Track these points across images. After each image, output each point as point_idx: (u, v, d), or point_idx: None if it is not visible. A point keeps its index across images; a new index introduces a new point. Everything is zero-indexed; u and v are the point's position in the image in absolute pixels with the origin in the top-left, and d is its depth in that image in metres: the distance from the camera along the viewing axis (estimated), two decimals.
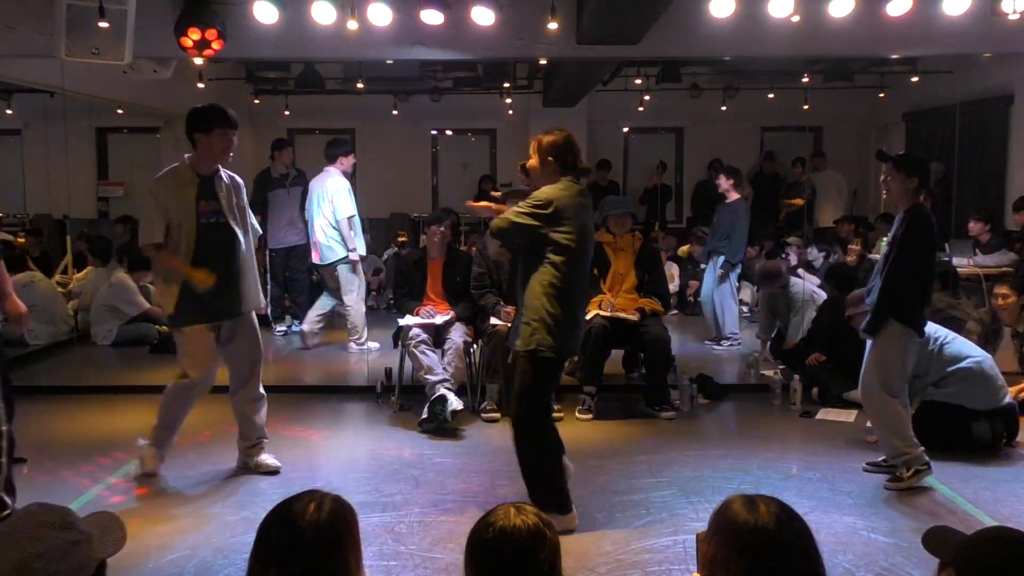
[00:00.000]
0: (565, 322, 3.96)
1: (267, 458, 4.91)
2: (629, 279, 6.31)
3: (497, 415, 5.91)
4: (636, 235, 6.50)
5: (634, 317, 6.07)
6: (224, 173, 4.69)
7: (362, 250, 7.72)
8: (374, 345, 7.85)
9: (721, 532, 1.75)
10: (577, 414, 5.99)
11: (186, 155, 4.62)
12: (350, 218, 7.55)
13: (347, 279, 7.68)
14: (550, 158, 4.06)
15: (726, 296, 7.94)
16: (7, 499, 3.92)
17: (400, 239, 10.71)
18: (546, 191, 3.98)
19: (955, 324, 6.37)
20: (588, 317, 6.20)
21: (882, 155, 4.70)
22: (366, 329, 7.84)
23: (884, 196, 4.80)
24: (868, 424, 5.69)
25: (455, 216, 6.67)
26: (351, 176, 7.86)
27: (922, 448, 4.59)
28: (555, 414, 5.91)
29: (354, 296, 7.74)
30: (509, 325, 6.01)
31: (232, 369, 4.86)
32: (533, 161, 4.13)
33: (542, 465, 4.04)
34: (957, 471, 4.92)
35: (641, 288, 6.31)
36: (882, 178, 4.61)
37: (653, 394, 6.08)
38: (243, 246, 4.69)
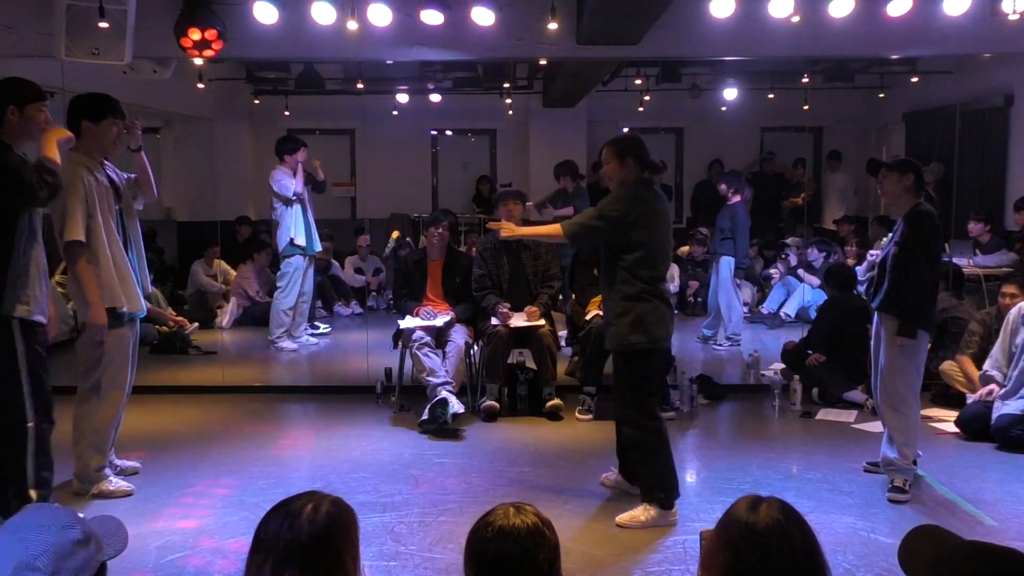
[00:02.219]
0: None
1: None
2: None
3: (495, 404, 5.93)
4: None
5: None
6: (107, 164, 4.55)
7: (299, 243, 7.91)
8: (290, 345, 7.95)
9: (719, 525, 1.80)
10: (577, 414, 5.98)
11: (68, 150, 4.34)
12: (289, 199, 7.81)
13: (280, 272, 7.98)
14: (629, 159, 4.17)
15: (732, 297, 7.95)
16: (32, 493, 3.87)
17: (397, 237, 10.68)
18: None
19: (958, 324, 6.38)
20: (588, 318, 6.20)
21: (873, 163, 4.71)
22: (278, 329, 7.93)
23: (884, 201, 4.79)
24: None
25: (453, 217, 6.66)
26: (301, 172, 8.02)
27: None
28: (552, 402, 5.96)
29: (277, 291, 7.96)
30: (509, 326, 6.02)
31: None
32: (612, 165, 4.22)
33: (647, 456, 4.17)
34: (958, 471, 4.92)
35: None
36: (878, 185, 4.61)
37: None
38: (138, 238, 4.63)
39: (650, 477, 4.17)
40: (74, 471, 4.52)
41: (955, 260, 7.49)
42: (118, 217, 4.47)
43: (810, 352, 6.48)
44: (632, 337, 4.08)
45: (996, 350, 5.72)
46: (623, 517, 4.15)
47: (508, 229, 4.51)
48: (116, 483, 4.54)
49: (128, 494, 4.51)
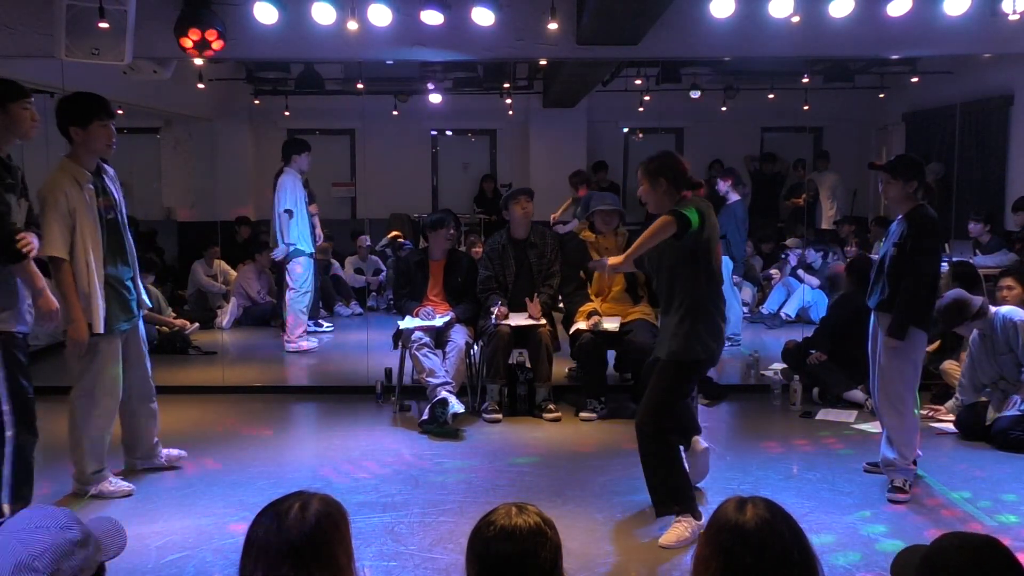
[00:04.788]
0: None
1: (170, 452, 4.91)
2: (617, 281, 6.09)
3: (499, 416, 5.90)
4: (620, 231, 6.18)
5: (614, 328, 5.93)
6: (106, 166, 4.50)
7: (304, 246, 7.90)
8: (307, 345, 7.98)
9: (709, 530, 1.81)
10: (581, 414, 5.97)
11: (63, 154, 4.34)
12: (285, 211, 7.75)
13: (290, 272, 7.92)
14: (662, 179, 4.03)
15: (730, 298, 7.94)
16: (6, 507, 3.83)
17: (395, 236, 10.69)
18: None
19: None
20: (571, 331, 6.14)
21: (874, 166, 4.68)
22: (298, 329, 7.94)
23: (885, 202, 4.77)
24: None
25: (455, 217, 6.66)
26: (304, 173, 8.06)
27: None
28: (552, 415, 5.92)
29: (290, 293, 7.93)
30: (511, 324, 6.00)
31: (127, 378, 4.57)
32: (645, 187, 4.07)
33: (666, 469, 4.04)
34: (958, 471, 4.92)
35: (632, 290, 6.10)
36: (881, 188, 4.59)
37: (640, 393, 6.01)
38: (132, 242, 4.61)
39: (671, 490, 4.02)
40: (73, 474, 4.52)
41: (955, 260, 7.49)
42: (111, 227, 4.38)
43: (812, 352, 6.47)
44: (690, 348, 3.96)
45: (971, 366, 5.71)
46: (667, 538, 3.95)
47: (600, 263, 4.17)
48: (116, 483, 4.54)
49: (128, 494, 4.51)
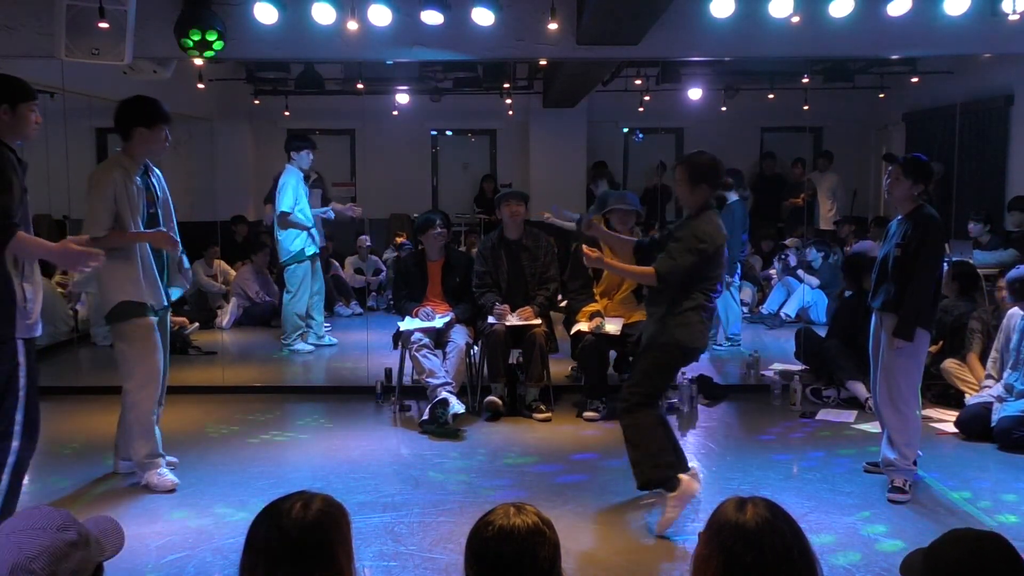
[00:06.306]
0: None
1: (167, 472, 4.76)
2: (625, 283, 6.11)
3: (499, 402, 5.91)
4: (635, 232, 6.15)
5: (616, 331, 5.92)
6: (154, 172, 4.74)
7: (306, 249, 7.84)
8: (305, 347, 7.96)
9: (709, 530, 1.83)
10: (584, 414, 5.96)
11: (118, 148, 4.58)
12: (282, 214, 7.66)
13: (288, 278, 7.87)
14: (705, 185, 4.15)
15: (727, 297, 7.93)
16: None
17: (398, 239, 10.70)
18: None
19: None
20: (572, 331, 6.13)
21: (890, 157, 4.68)
22: (296, 333, 7.93)
23: (886, 197, 4.77)
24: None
25: (443, 215, 6.60)
26: (308, 170, 8.01)
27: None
28: (542, 415, 5.92)
29: (288, 296, 7.91)
30: (506, 324, 6.00)
31: None
32: (684, 189, 4.19)
33: (636, 441, 4.16)
34: (958, 471, 4.92)
35: (639, 292, 6.05)
36: (887, 181, 4.59)
37: None
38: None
39: (641, 464, 4.13)
40: (132, 463, 4.67)
41: (955, 260, 7.50)
42: (151, 221, 4.63)
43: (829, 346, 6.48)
44: (680, 335, 4.09)
45: (994, 353, 5.75)
46: (661, 526, 4.05)
47: (594, 258, 4.25)
48: (163, 475, 4.61)
49: (171, 489, 4.57)
